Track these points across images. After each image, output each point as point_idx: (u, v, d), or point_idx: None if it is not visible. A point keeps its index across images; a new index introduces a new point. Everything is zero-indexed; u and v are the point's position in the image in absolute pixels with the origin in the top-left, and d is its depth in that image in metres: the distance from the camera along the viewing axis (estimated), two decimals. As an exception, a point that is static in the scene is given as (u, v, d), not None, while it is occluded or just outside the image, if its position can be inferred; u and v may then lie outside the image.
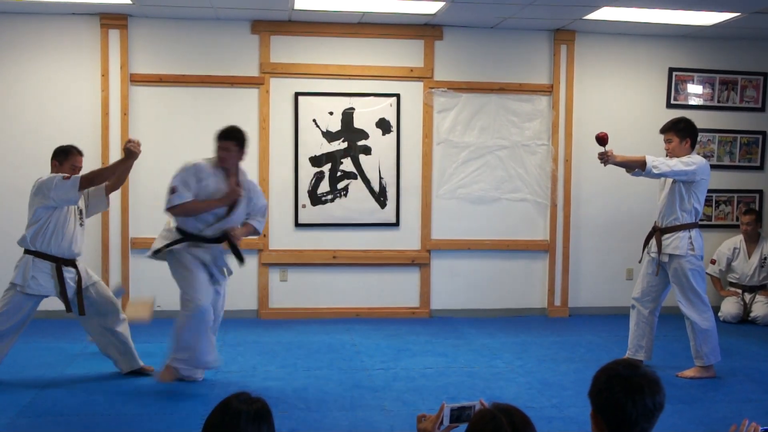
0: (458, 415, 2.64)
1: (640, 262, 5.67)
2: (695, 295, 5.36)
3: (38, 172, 6.92)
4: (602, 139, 5.32)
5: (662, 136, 5.50)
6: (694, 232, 5.40)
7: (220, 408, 2.23)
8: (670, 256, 5.39)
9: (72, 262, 5.12)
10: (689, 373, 5.41)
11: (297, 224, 7.29)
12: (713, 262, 7.64)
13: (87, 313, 5.12)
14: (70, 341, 6.16)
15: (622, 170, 5.55)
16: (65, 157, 5.21)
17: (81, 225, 5.24)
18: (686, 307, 5.40)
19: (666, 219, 5.46)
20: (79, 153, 5.28)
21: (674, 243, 5.38)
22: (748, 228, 7.55)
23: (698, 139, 7.55)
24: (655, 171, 5.23)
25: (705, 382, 5.28)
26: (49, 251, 5.06)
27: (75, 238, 5.15)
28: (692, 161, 5.32)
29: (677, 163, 5.29)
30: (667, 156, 5.42)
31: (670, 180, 5.42)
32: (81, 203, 5.26)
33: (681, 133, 5.41)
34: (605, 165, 5.38)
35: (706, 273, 7.60)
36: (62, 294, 5.01)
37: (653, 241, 5.50)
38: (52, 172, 5.18)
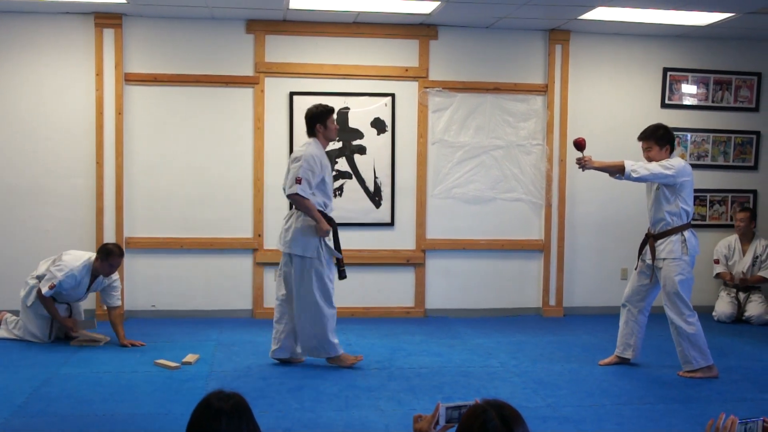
0: (454, 414, 2.64)
1: (636, 269, 5.66)
2: (680, 299, 5.37)
3: (33, 171, 7.00)
4: (580, 145, 5.35)
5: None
6: (687, 233, 5.41)
7: (200, 408, 2.27)
8: (664, 260, 5.40)
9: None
10: (692, 373, 5.42)
11: (292, 224, 7.28)
12: (717, 262, 7.66)
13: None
14: (65, 341, 6.15)
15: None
16: (106, 257, 6.00)
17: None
18: (671, 310, 5.40)
19: (657, 225, 5.48)
20: (121, 254, 6.09)
21: (668, 247, 5.39)
22: (742, 225, 7.56)
23: (692, 139, 7.72)
24: (634, 175, 5.25)
25: (700, 382, 5.28)
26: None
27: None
28: (671, 164, 5.34)
29: (656, 167, 5.31)
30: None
31: (654, 185, 5.44)
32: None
33: (661, 141, 5.44)
34: (583, 170, 5.41)
35: (716, 274, 7.63)
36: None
37: (647, 248, 5.52)
38: (96, 268, 6.02)
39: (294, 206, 5.55)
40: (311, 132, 5.56)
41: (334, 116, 5.66)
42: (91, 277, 6.08)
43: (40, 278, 6.09)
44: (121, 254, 6.12)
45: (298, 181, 5.31)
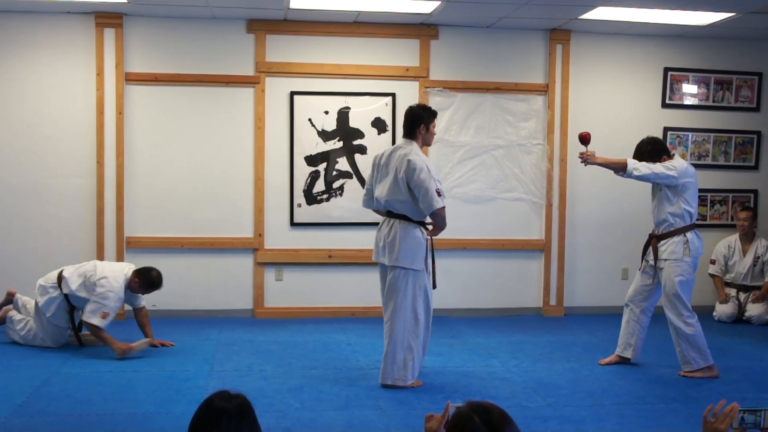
0: None
1: (640, 269, 5.66)
2: (679, 300, 5.36)
3: (33, 170, 7.00)
4: (584, 139, 5.35)
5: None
6: (690, 234, 5.40)
7: (203, 407, 2.25)
8: (666, 260, 5.40)
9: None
10: (692, 373, 5.41)
11: (292, 223, 7.28)
12: (713, 262, 7.65)
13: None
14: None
15: (617, 170, 5.56)
16: (148, 286, 5.92)
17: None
18: (670, 311, 5.41)
19: (660, 226, 5.48)
20: (162, 285, 5.99)
21: (670, 248, 5.39)
22: (745, 224, 7.55)
23: (693, 138, 7.71)
24: (636, 173, 5.26)
25: (700, 382, 5.28)
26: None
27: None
28: (673, 165, 5.35)
29: (658, 167, 5.31)
30: None
31: (658, 186, 5.44)
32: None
33: (653, 155, 5.43)
34: (585, 165, 5.42)
35: (709, 273, 7.62)
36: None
37: (651, 249, 5.52)
38: (131, 286, 5.87)
39: (394, 216, 5.15)
40: (411, 133, 5.11)
41: (436, 120, 5.31)
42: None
43: (69, 296, 5.83)
44: (162, 284, 5.98)
45: (439, 193, 4.98)
